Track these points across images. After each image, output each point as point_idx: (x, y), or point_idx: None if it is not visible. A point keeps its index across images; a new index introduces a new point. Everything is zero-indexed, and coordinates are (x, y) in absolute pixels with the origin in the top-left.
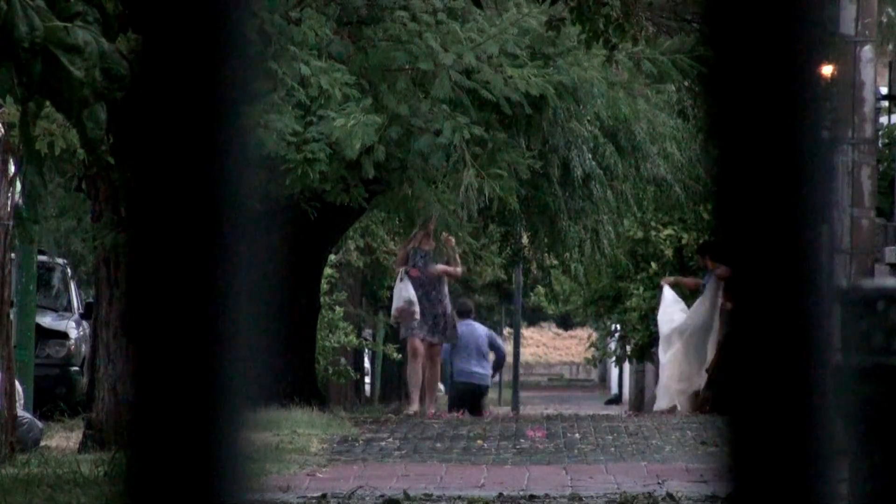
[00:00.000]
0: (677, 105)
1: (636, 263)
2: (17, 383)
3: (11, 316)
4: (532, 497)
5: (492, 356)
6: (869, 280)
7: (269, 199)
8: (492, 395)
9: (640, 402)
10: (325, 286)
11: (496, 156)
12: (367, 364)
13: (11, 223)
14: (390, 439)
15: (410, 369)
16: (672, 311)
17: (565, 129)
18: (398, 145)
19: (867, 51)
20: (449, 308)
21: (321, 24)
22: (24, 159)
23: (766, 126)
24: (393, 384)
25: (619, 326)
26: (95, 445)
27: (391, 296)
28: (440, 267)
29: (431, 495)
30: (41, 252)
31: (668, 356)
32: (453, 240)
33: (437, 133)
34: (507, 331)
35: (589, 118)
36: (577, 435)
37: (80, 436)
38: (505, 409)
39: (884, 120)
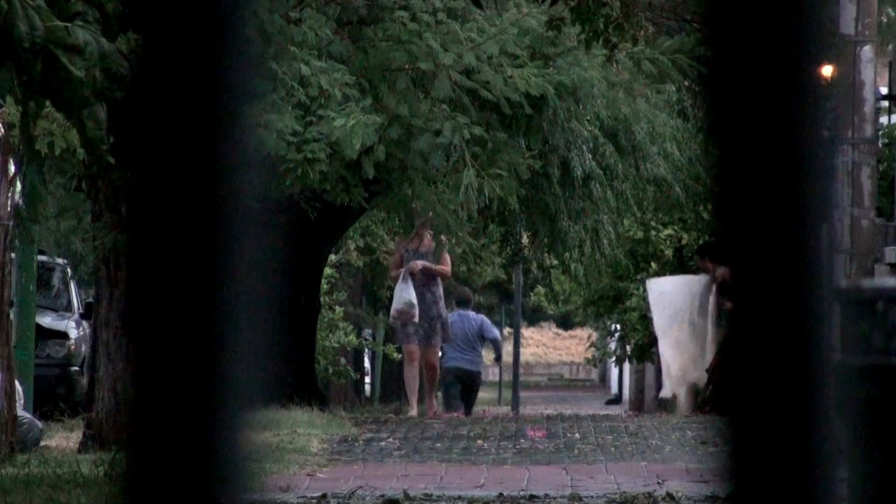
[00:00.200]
0: (677, 105)
1: (636, 263)
2: (17, 383)
3: (11, 316)
4: (532, 497)
5: (488, 354)
6: (869, 280)
7: (269, 199)
8: (492, 395)
9: (641, 402)
10: (325, 286)
11: (496, 156)
12: (367, 364)
13: (11, 223)
14: (390, 439)
15: (407, 374)
16: (662, 301)
17: (565, 129)
18: (398, 145)
19: (867, 51)
20: (444, 310)
21: (321, 24)
22: (24, 159)
23: (766, 126)
24: (393, 384)
25: (619, 326)
26: (95, 445)
27: (391, 296)
28: (421, 263)
29: (431, 495)
30: (41, 252)
31: (668, 342)
32: (428, 234)
33: (437, 133)
34: (507, 331)
35: (589, 118)
36: (577, 435)
37: (80, 436)
38: (505, 409)
39: (884, 120)
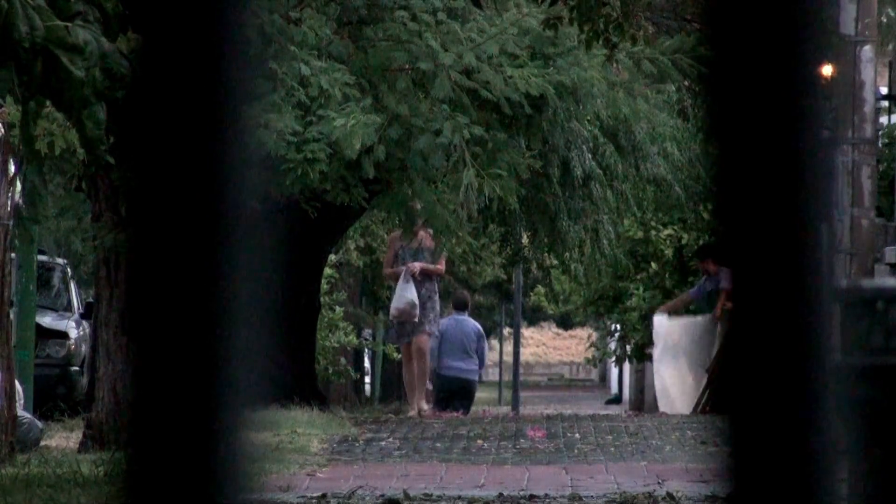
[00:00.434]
0: (677, 105)
1: (636, 263)
2: (17, 383)
3: (11, 316)
4: (532, 497)
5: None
6: (869, 280)
7: (269, 199)
8: (492, 395)
9: (641, 402)
10: (325, 286)
11: (496, 156)
12: (367, 364)
13: (11, 223)
14: (390, 439)
15: (405, 374)
16: (665, 339)
17: (565, 129)
18: (398, 145)
19: (867, 51)
20: (437, 306)
21: (321, 24)
22: (24, 159)
23: (766, 126)
24: (393, 384)
25: (619, 326)
26: (95, 445)
27: (391, 295)
28: (419, 265)
29: (431, 495)
30: (41, 252)
31: (670, 371)
32: (423, 231)
33: (437, 133)
34: (507, 331)
35: (589, 118)
36: (577, 435)
37: (80, 436)
38: (505, 409)
39: (884, 120)
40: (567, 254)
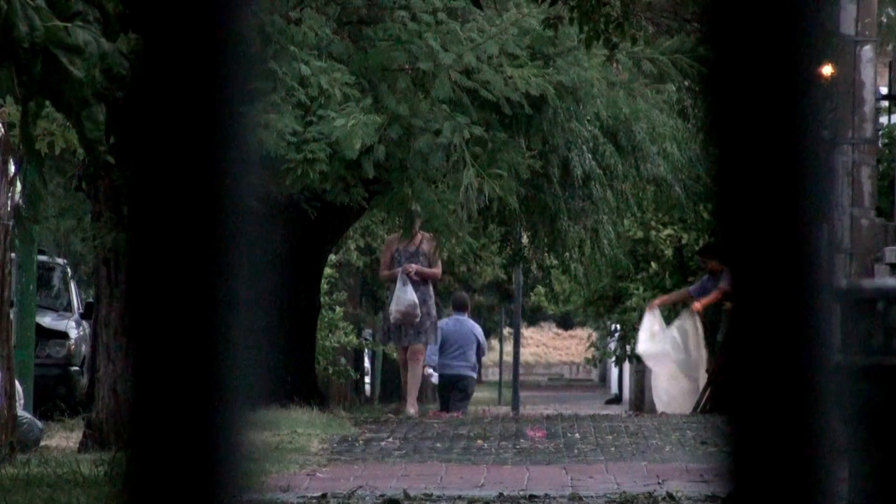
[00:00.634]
0: (677, 105)
1: (636, 263)
2: (17, 383)
3: (11, 316)
4: (532, 497)
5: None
6: (869, 280)
7: (269, 199)
8: (492, 395)
9: (641, 401)
10: (325, 286)
11: (496, 156)
12: (367, 364)
13: (11, 223)
14: (390, 439)
15: (403, 375)
16: (656, 337)
17: (565, 129)
18: (398, 145)
19: (867, 51)
20: (433, 309)
21: (321, 24)
22: (24, 159)
23: (766, 126)
24: (393, 384)
25: (619, 326)
26: (95, 445)
27: (391, 296)
28: (415, 266)
29: (431, 495)
30: (41, 252)
31: (665, 374)
32: (431, 236)
33: (437, 133)
34: (507, 331)
35: (589, 118)
36: (577, 435)
37: (80, 436)
38: (505, 409)
39: (884, 120)
40: (567, 254)
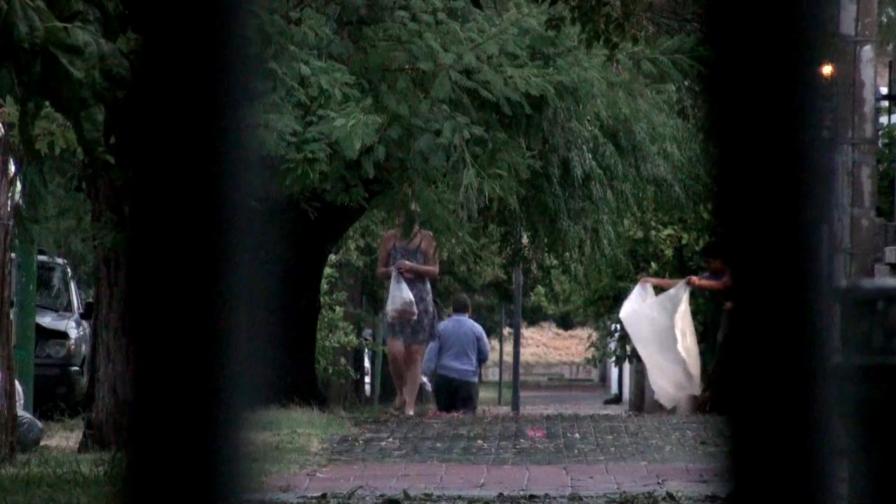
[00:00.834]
0: (677, 105)
1: (636, 263)
2: (17, 383)
3: (11, 316)
4: (532, 497)
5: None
6: (869, 280)
7: (269, 199)
8: (492, 395)
9: (641, 401)
10: (325, 286)
11: (496, 156)
12: (367, 364)
13: (11, 223)
14: (390, 439)
15: (393, 371)
16: (650, 308)
17: (565, 129)
18: (398, 145)
19: (867, 51)
20: (431, 307)
21: (321, 24)
22: (24, 159)
23: (766, 126)
24: (393, 384)
25: (619, 326)
26: (95, 445)
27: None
28: (409, 263)
29: (431, 495)
30: (41, 252)
31: (653, 366)
32: (431, 234)
33: (437, 133)
34: (507, 331)
35: (589, 118)
36: (577, 435)
37: (80, 436)
38: (505, 409)
39: (884, 120)
40: (567, 254)
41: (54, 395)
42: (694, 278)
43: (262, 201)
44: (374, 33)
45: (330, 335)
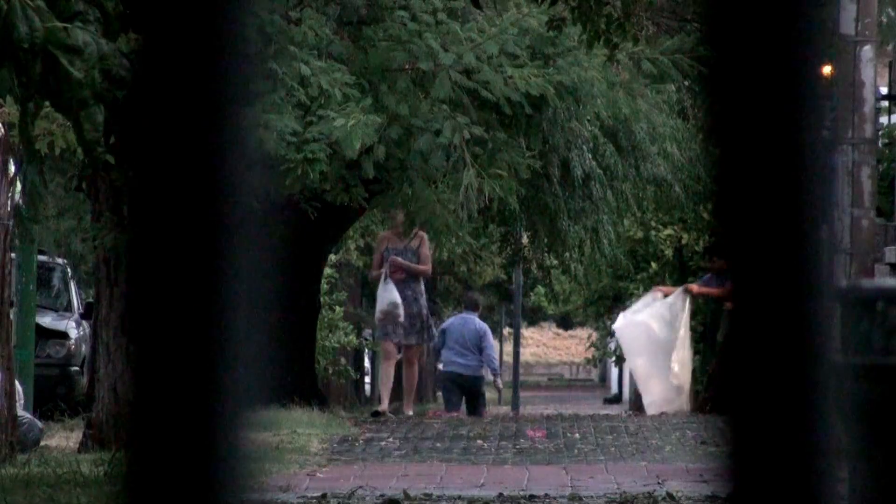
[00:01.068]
0: (677, 105)
1: (636, 263)
2: (17, 383)
3: (11, 316)
4: (532, 497)
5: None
6: (869, 280)
7: (269, 199)
8: (492, 395)
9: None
10: (325, 286)
11: (496, 156)
12: (367, 364)
13: (11, 223)
14: (390, 439)
15: (382, 371)
16: (629, 342)
17: (565, 129)
18: (398, 145)
19: (867, 51)
20: (425, 308)
21: (321, 24)
22: (24, 159)
23: (766, 126)
24: (392, 384)
25: None
26: (95, 445)
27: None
28: (399, 260)
29: (431, 495)
30: (41, 252)
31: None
32: (424, 234)
33: (437, 133)
34: (507, 331)
35: (589, 118)
36: (577, 435)
37: (80, 436)
38: (505, 409)
39: (884, 120)
40: (567, 254)
41: (54, 395)
42: (692, 286)
43: (262, 201)
44: (374, 33)
45: (330, 335)
